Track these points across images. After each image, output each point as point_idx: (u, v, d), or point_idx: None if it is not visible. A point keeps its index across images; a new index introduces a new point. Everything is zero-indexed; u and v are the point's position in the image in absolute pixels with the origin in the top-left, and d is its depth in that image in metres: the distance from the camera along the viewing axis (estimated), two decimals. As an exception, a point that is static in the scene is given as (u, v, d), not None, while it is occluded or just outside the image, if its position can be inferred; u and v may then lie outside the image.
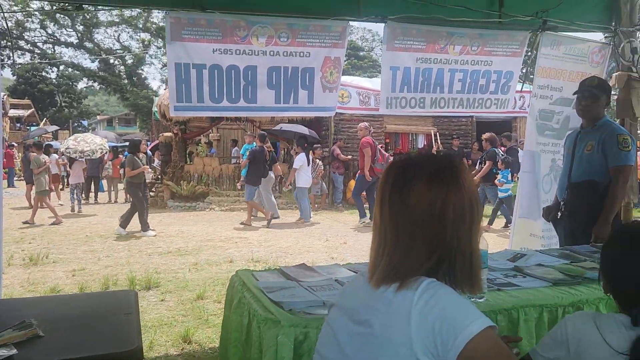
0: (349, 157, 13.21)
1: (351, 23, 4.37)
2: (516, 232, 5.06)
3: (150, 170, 9.64)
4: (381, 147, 10.41)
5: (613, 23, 4.88)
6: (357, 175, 10.35)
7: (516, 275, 2.17)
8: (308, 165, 10.72)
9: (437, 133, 13.94)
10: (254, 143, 10.60)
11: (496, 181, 9.20)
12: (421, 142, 14.36)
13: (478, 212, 1.16)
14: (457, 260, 1.13)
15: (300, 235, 9.02)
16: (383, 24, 4.32)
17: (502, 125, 13.96)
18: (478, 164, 9.99)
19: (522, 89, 8.28)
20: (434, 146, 13.53)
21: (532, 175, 5.12)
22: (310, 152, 11.31)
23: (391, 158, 10.34)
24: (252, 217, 10.32)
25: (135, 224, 8.95)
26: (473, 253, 1.15)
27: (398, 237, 1.13)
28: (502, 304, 1.82)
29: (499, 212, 9.30)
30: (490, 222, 9.23)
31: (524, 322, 1.80)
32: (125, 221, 8.91)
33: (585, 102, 3.47)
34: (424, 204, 1.11)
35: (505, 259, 2.44)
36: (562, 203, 3.61)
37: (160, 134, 15.99)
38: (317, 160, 12.20)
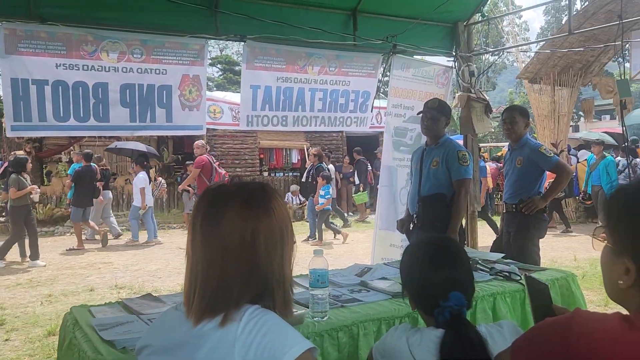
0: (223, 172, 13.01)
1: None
2: (377, 243, 5.31)
3: (38, 190, 8.65)
4: (218, 164, 10.41)
5: (454, 49, 5.38)
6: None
7: (361, 290, 2.26)
8: (149, 183, 10.58)
9: (310, 148, 14.28)
10: (81, 162, 10.16)
11: (317, 196, 9.51)
12: (295, 157, 14.61)
13: (289, 239, 1.17)
14: (274, 287, 1.14)
15: (171, 256, 8.66)
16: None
17: (371, 139, 14.72)
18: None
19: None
20: (307, 161, 13.83)
21: (390, 188, 5.44)
22: (152, 170, 11.15)
23: (227, 177, 10.44)
24: (94, 239, 10.00)
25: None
26: (286, 280, 1.17)
27: (210, 268, 1.11)
28: (344, 321, 1.88)
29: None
30: (320, 238, 9.53)
31: (363, 337, 1.87)
32: (2, 250, 7.91)
33: (427, 122, 3.77)
34: (235, 233, 1.11)
35: (354, 274, 2.54)
36: (414, 216, 3.87)
37: (12, 153, 14.46)
38: (159, 178, 12.08)
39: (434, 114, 3.72)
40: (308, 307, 1.90)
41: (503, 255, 3.06)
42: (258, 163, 14.36)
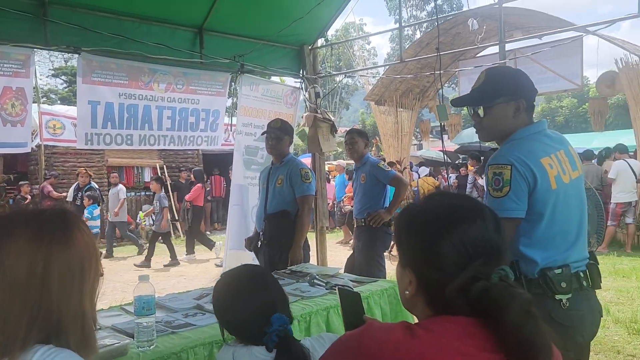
0: (64, 194, 11.93)
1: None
2: (228, 265, 5.25)
3: None
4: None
5: (301, 71, 5.60)
6: None
7: (196, 313, 2.21)
8: None
9: (165, 166, 13.73)
10: None
11: (84, 216, 9.21)
12: (147, 176, 13.92)
13: (92, 272, 1.07)
14: (69, 324, 1.03)
15: None
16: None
17: (226, 157, 14.59)
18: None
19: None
20: (162, 179, 13.28)
21: (242, 207, 5.43)
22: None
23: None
24: None
25: None
26: (85, 315, 1.06)
27: None
28: (172, 348, 1.81)
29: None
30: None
31: (192, 363, 1.83)
32: None
33: (271, 142, 3.83)
34: (23, 265, 0.99)
35: (193, 297, 2.47)
36: (261, 233, 3.91)
37: None
38: None
39: (278, 134, 3.79)
40: (133, 337, 1.80)
41: (340, 268, 3.22)
42: (106, 182, 13.41)
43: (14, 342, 0.98)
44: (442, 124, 3.85)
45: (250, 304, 1.45)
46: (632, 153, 9.69)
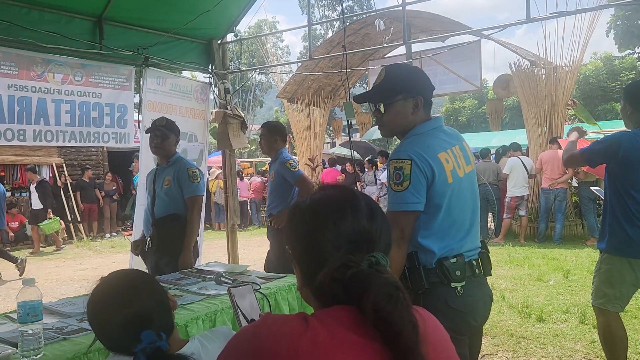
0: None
1: None
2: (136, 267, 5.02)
3: None
4: None
5: (210, 66, 5.47)
6: None
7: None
8: None
9: (64, 164, 12.87)
10: None
11: None
12: (46, 174, 12.98)
13: None
14: None
15: None
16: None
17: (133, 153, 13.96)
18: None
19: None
20: (60, 179, 12.44)
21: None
22: None
23: None
24: None
25: None
26: None
27: None
28: (63, 356, 1.69)
29: None
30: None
31: (87, 370, 1.72)
32: None
33: (156, 141, 3.56)
34: None
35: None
36: (148, 239, 3.62)
37: None
38: None
39: (163, 132, 3.55)
40: (16, 347, 1.66)
41: (248, 265, 3.18)
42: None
43: None
44: (349, 120, 3.88)
45: (114, 317, 1.31)
46: (524, 150, 10.49)
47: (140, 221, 4.91)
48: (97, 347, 1.78)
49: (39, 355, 1.66)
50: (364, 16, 11.47)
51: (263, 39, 15.83)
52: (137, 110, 5.75)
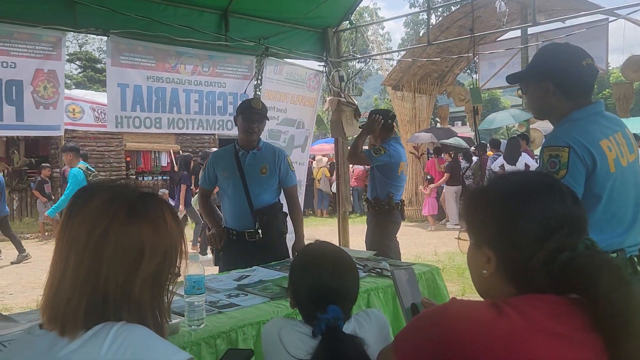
0: (84, 178, 12.04)
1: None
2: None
3: None
4: None
5: (325, 54, 5.55)
6: None
7: (239, 294, 2.22)
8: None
9: (181, 151, 13.78)
10: None
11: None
12: (164, 160, 14.00)
13: (154, 257, 1.02)
14: (117, 303, 0.99)
15: (24, 270, 7.80)
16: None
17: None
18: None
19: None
20: (177, 164, 13.33)
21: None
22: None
23: None
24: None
25: None
26: (141, 303, 1.01)
27: (56, 266, 0.99)
28: (221, 327, 1.83)
29: None
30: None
31: (242, 342, 1.84)
32: None
33: (255, 125, 3.29)
34: (84, 228, 0.99)
35: (232, 279, 2.48)
36: (251, 231, 3.27)
37: None
38: None
39: (263, 115, 3.34)
40: (183, 316, 1.82)
41: (375, 252, 3.21)
42: (124, 166, 13.52)
43: (70, 306, 0.97)
44: (475, 106, 3.77)
45: (318, 284, 1.43)
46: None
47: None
48: (250, 322, 1.90)
49: (202, 325, 1.81)
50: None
51: (365, 27, 15.74)
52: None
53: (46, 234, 11.25)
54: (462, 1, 6.19)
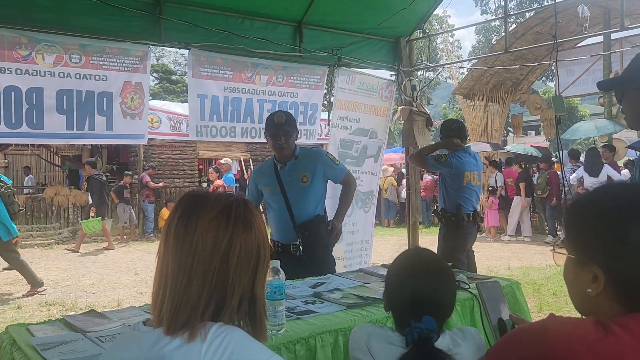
0: (161, 184, 12.65)
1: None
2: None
3: None
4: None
5: (396, 63, 5.53)
6: None
7: (315, 301, 2.24)
8: None
9: (250, 159, 14.15)
10: None
11: None
12: (235, 168, 14.41)
13: (265, 259, 1.13)
14: (239, 305, 1.09)
15: (105, 269, 8.28)
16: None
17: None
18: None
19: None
20: (247, 172, 13.69)
21: (335, 200, 5.46)
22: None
23: None
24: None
25: None
26: (257, 300, 1.12)
27: (178, 273, 1.06)
28: (300, 333, 1.85)
29: None
30: None
31: (320, 349, 1.85)
32: None
33: (281, 141, 3.22)
34: (209, 239, 1.06)
35: (308, 286, 2.52)
36: (297, 246, 3.22)
37: None
38: None
39: (286, 130, 3.23)
40: (265, 320, 1.86)
41: (450, 264, 3.14)
42: (197, 174, 14.06)
43: (194, 314, 1.04)
44: (558, 116, 3.60)
45: (416, 293, 1.40)
46: None
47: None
48: (328, 329, 1.92)
49: (282, 330, 1.84)
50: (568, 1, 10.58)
51: (435, 36, 15.52)
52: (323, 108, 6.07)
53: (125, 237, 11.88)
54: (541, 7, 5.95)
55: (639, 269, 0.90)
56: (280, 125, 3.21)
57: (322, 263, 3.21)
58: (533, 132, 30.97)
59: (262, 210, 5.16)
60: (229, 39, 4.35)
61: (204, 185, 14.12)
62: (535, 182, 10.49)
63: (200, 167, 14.15)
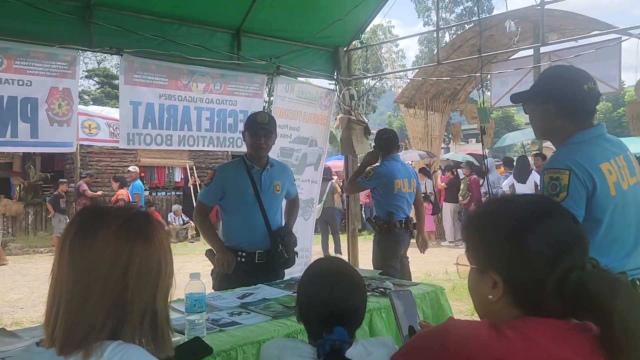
0: (99, 192, 12.20)
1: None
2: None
3: None
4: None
5: (335, 73, 5.60)
6: None
7: (241, 312, 2.23)
8: None
9: (194, 167, 13.91)
10: None
11: None
12: (178, 176, 14.14)
13: (167, 273, 1.11)
14: (141, 320, 1.06)
15: (37, 284, 7.89)
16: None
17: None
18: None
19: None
20: (190, 180, 13.45)
21: (275, 208, 5.46)
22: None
23: None
24: None
25: None
26: (158, 315, 1.09)
27: (74, 290, 1.02)
28: (221, 346, 1.83)
29: None
30: None
31: (243, 361, 1.84)
32: None
33: (262, 140, 3.17)
34: (108, 254, 1.03)
35: (236, 297, 2.50)
36: (241, 254, 3.16)
37: None
38: None
39: (268, 130, 3.18)
40: (184, 334, 1.83)
41: (380, 271, 3.20)
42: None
43: (91, 332, 1.01)
44: (483, 126, 3.78)
45: (327, 303, 1.40)
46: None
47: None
48: (250, 340, 1.91)
49: (202, 344, 1.81)
50: (494, 17, 11.03)
51: (378, 45, 15.86)
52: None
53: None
54: (472, 20, 6.19)
55: (533, 274, 0.95)
56: (262, 125, 3.17)
57: (280, 273, 3.23)
58: (474, 140, 32.13)
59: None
60: (164, 45, 4.27)
61: (146, 193, 13.76)
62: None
63: (142, 174, 13.77)
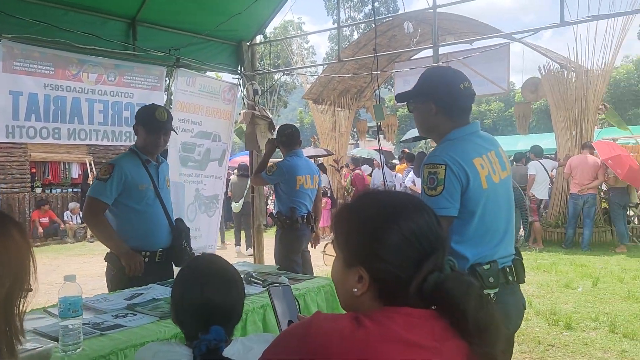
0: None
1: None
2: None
3: None
4: None
5: (239, 67, 5.52)
6: None
7: (127, 314, 2.12)
8: None
9: (93, 162, 13.13)
10: None
11: None
12: (75, 172, 13.28)
13: (6, 279, 0.98)
14: None
15: None
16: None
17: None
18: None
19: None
20: (90, 176, 12.68)
21: (177, 205, 5.27)
22: None
23: None
24: None
25: None
26: (9, 321, 0.99)
27: None
28: (100, 351, 1.73)
29: None
30: None
31: (122, 365, 1.76)
32: None
33: (164, 139, 3.09)
34: None
35: (123, 298, 2.38)
36: (144, 251, 2.99)
37: None
38: None
39: (170, 128, 3.09)
40: (57, 340, 1.71)
41: (279, 267, 3.20)
42: (29, 178, 12.67)
43: None
44: (379, 123, 3.92)
45: (201, 303, 1.37)
46: (553, 155, 10.32)
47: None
48: (133, 343, 1.83)
49: (79, 350, 1.71)
50: (391, 18, 11.43)
51: (289, 40, 15.89)
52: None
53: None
54: (368, 20, 6.38)
55: (399, 273, 0.97)
56: (163, 123, 3.02)
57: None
58: (382, 137, 33.26)
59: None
60: (49, 31, 3.96)
61: (38, 191, 12.80)
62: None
63: (33, 170, 12.79)
